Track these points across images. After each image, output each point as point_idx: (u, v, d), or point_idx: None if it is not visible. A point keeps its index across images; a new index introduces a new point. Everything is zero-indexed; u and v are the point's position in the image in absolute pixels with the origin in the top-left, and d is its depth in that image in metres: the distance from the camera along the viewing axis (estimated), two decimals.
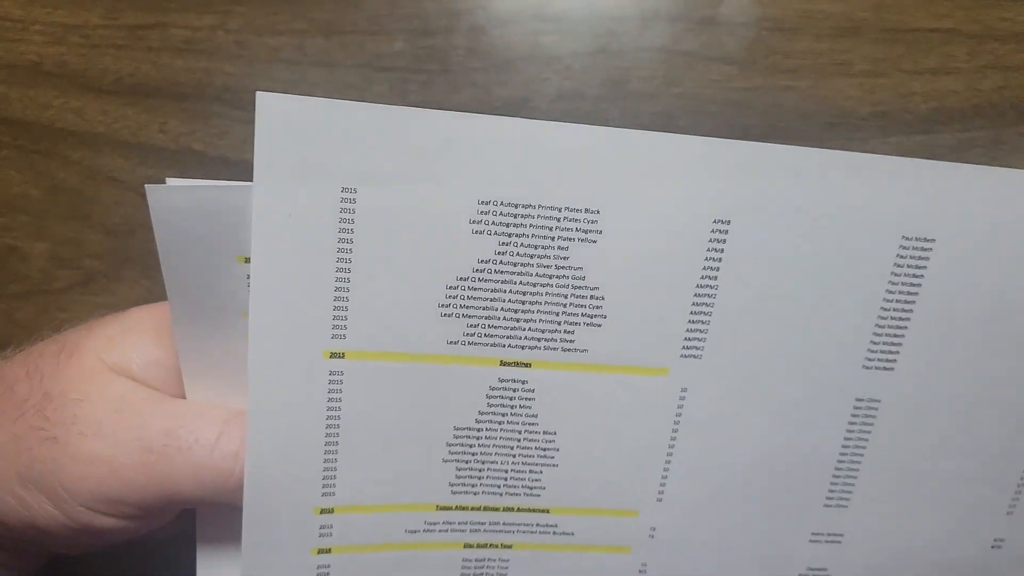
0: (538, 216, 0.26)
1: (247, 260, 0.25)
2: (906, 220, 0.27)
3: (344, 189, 0.25)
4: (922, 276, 0.28)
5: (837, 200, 0.27)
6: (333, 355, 0.26)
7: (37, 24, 0.33)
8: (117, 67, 0.33)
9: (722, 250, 0.27)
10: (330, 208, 0.25)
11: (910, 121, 0.33)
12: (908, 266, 0.28)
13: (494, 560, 0.30)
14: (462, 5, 0.32)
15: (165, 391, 0.27)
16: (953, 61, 0.32)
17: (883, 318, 0.28)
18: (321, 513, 0.28)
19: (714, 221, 0.27)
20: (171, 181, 0.25)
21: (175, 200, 0.24)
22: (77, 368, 0.26)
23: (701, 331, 0.28)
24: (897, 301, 0.28)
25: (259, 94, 0.23)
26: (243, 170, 0.33)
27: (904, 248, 0.28)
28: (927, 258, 0.28)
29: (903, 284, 0.28)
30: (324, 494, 0.28)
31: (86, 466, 0.25)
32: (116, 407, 0.26)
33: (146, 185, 0.24)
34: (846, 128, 0.33)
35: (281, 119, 0.24)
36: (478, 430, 0.28)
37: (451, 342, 0.27)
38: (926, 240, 0.28)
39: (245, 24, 0.32)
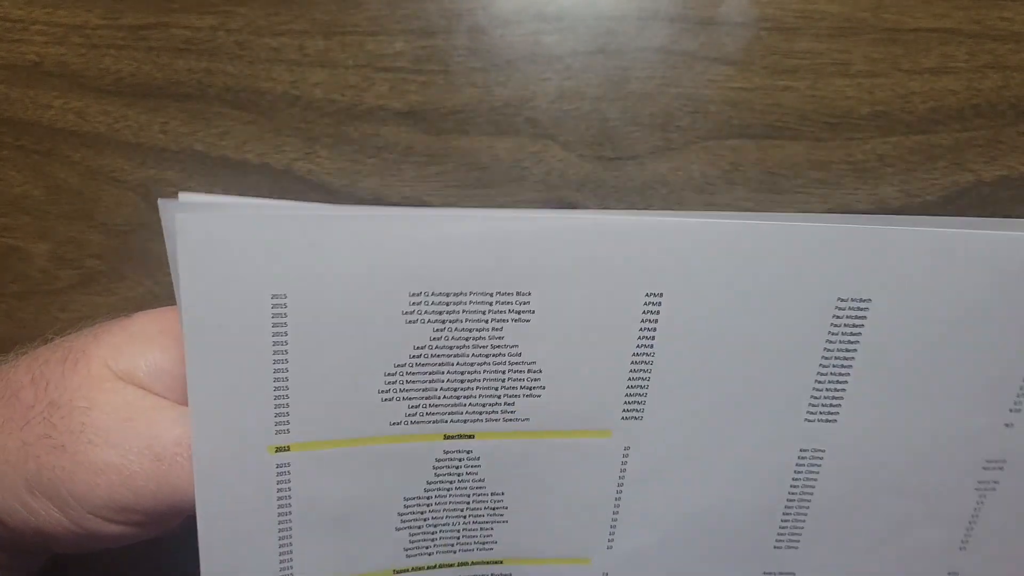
0: (470, 302, 0.26)
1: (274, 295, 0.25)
2: (841, 283, 0.27)
3: (274, 296, 0.25)
4: (859, 334, 0.28)
5: (769, 270, 0.27)
6: (278, 449, 0.27)
7: (38, 24, 0.33)
8: (118, 67, 0.33)
9: (656, 321, 0.27)
10: (261, 314, 0.25)
11: (909, 121, 0.33)
12: (845, 325, 0.28)
13: None
14: (462, 5, 0.32)
15: (171, 398, 0.27)
16: (952, 61, 0.32)
17: (822, 374, 0.29)
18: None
19: (647, 294, 0.27)
20: (183, 196, 0.24)
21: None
22: (84, 376, 0.26)
23: (640, 395, 0.29)
24: (836, 358, 0.28)
25: (178, 217, 0.22)
26: (245, 170, 0.33)
27: (840, 309, 0.28)
28: (864, 317, 0.28)
29: (840, 342, 0.28)
30: (282, 570, 0.28)
31: (95, 474, 0.25)
32: (125, 415, 0.26)
33: (159, 200, 0.23)
34: (845, 128, 0.33)
35: (203, 238, 0.23)
36: (427, 498, 0.29)
37: (394, 423, 0.28)
38: (862, 300, 0.28)
39: (246, 24, 0.32)
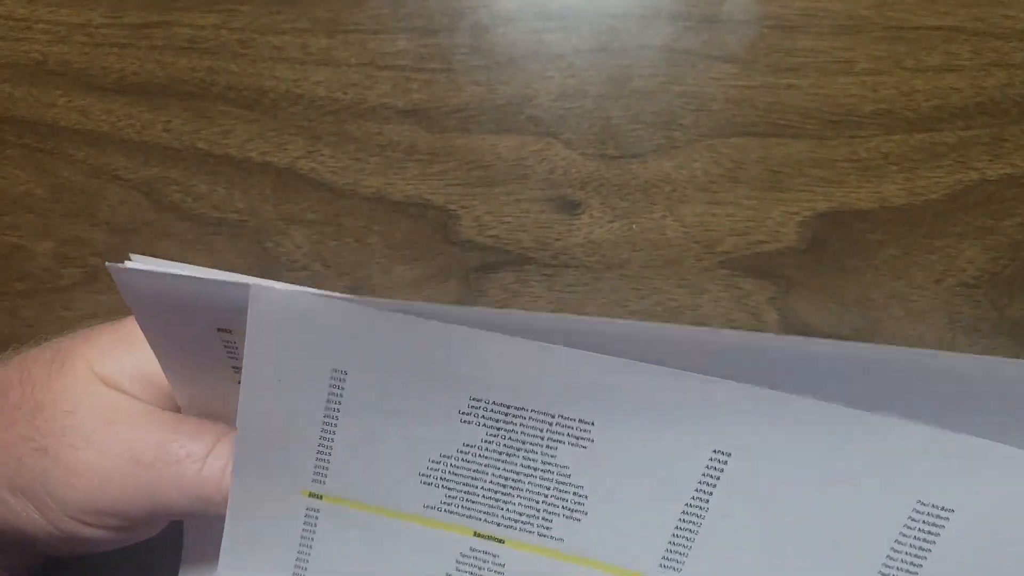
0: (530, 418, 0.26)
1: (223, 330, 0.26)
2: (924, 485, 0.26)
3: (335, 370, 0.25)
4: (932, 545, 0.26)
5: (848, 458, 0.26)
6: (311, 495, 0.27)
7: (41, 23, 0.33)
8: (121, 66, 0.33)
9: (717, 479, 0.27)
10: (320, 382, 0.25)
11: (913, 119, 0.33)
12: (919, 532, 0.26)
13: None
14: (465, 4, 0.32)
15: (155, 404, 0.27)
16: (956, 59, 0.32)
17: None
18: None
19: (713, 451, 0.26)
20: (136, 259, 0.24)
21: (143, 284, 0.24)
22: (70, 378, 0.26)
23: (684, 548, 0.28)
24: (899, 568, 0.27)
25: (252, 287, 0.24)
26: (247, 168, 0.33)
27: (917, 513, 0.26)
28: (942, 526, 0.26)
29: (909, 551, 0.27)
30: None
31: (75, 477, 0.25)
32: (107, 418, 0.26)
33: (107, 264, 0.23)
34: (848, 126, 0.33)
35: (273, 309, 0.24)
36: None
37: (427, 506, 0.28)
38: (943, 509, 0.26)
39: (249, 23, 0.32)
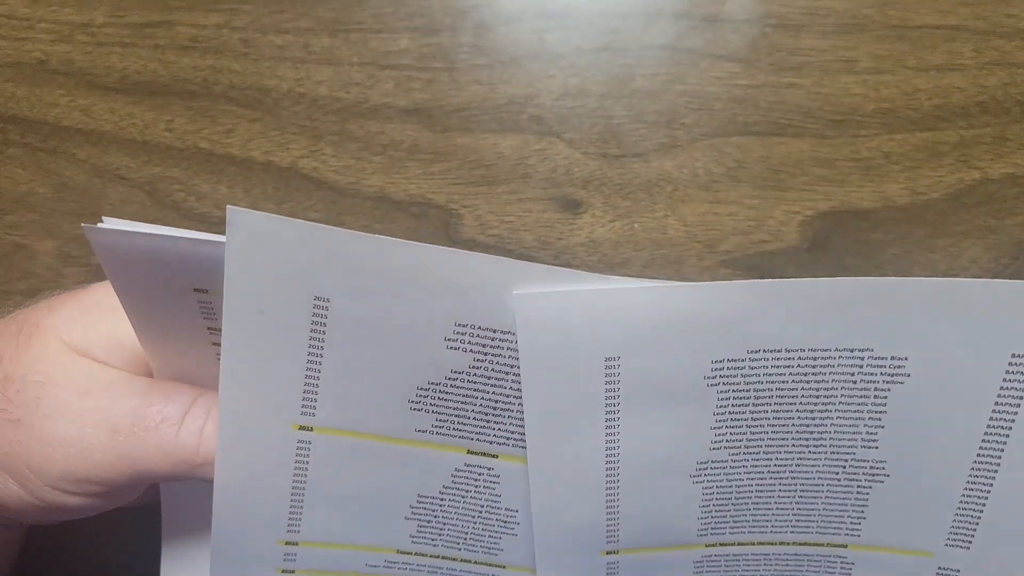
0: (514, 340, 0.26)
1: (199, 290, 0.25)
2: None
3: (317, 298, 0.25)
4: None
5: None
6: (302, 428, 0.27)
7: (43, 22, 0.33)
8: (123, 65, 0.33)
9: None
10: (302, 312, 0.25)
11: (915, 118, 0.33)
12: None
13: None
14: (467, 3, 0.32)
15: (127, 369, 0.27)
16: (958, 58, 0.32)
17: None
18: (286, 544, 0.29)
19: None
20: (108, 221, 0.24)
21: (119, 244, 0.24)
22: (38, 350, 0.26)
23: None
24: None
25: (229, 209, 0.23)
26: (249, 167, 0.33)
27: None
28: None
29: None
30: (289, 531, 0.29)
31: (53, 448, 0.25)
32: (82, 388, 0.26)
33: (83, 226, 0.23)
34: (850, 125, 0.33)
35: (252, 235, 0.24)
36: (441, 499, 0.29)
37: (419, 431, 0.28)
38: None
39: (251, 22, 0.32)
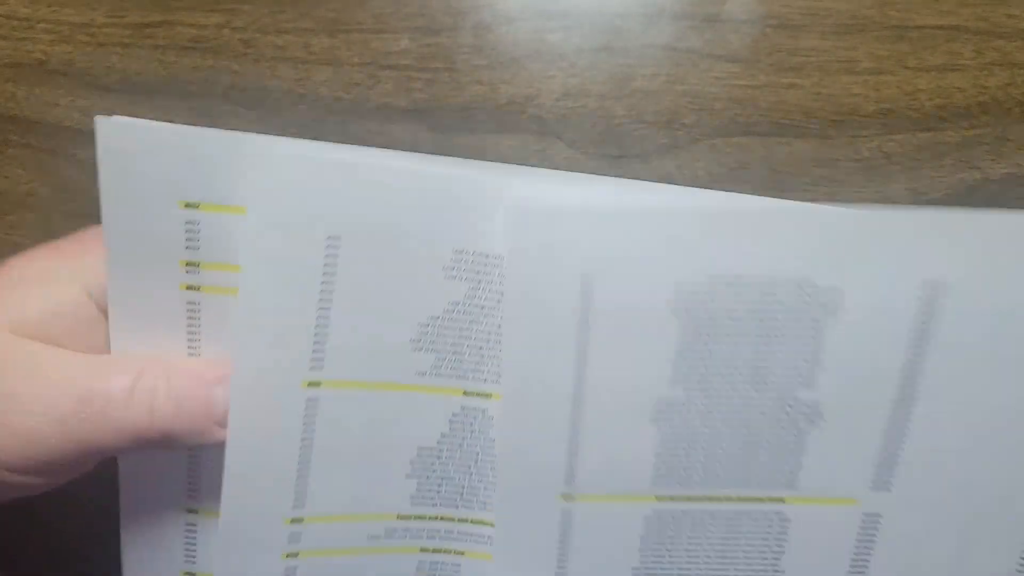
0: (507, 264, 0.27)
1: (187, 205, 0.26)
2: None
3: (330, 237, 0.26)
4: None
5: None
6: (311, 384, 0.28)
7: (43, 22, 0.33)
8: (123, 65, 0.33)
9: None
10: (316, 253, 0.26)
11: (915, 119, 0.33)
12: None
13: (447, 564, 0.32)
14: (467, 3, 0.32)
15: (68, 338, 0.26)
16: (959, 58, 0.32)
17: None
18: (292, 523, 0.29)
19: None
20: (120, 118, 0.24)
21: (125, 136, 0.24)
22: None
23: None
24: None
25: (247, 138, 0.24)
26: None
27: None
28: None
29: None
30: (295, 506, 0.29)
31: (2, 438, 0.25)
32: (24, 374, 0.25)
33: (96, 117, 0.23)
34: (851, 126, 0.33)
35: (267, 173, 0.25)
36: (439, 450, 0.30)
37: (420, 373, 0.29)
38: None
39: (251, 22, 0.32)
